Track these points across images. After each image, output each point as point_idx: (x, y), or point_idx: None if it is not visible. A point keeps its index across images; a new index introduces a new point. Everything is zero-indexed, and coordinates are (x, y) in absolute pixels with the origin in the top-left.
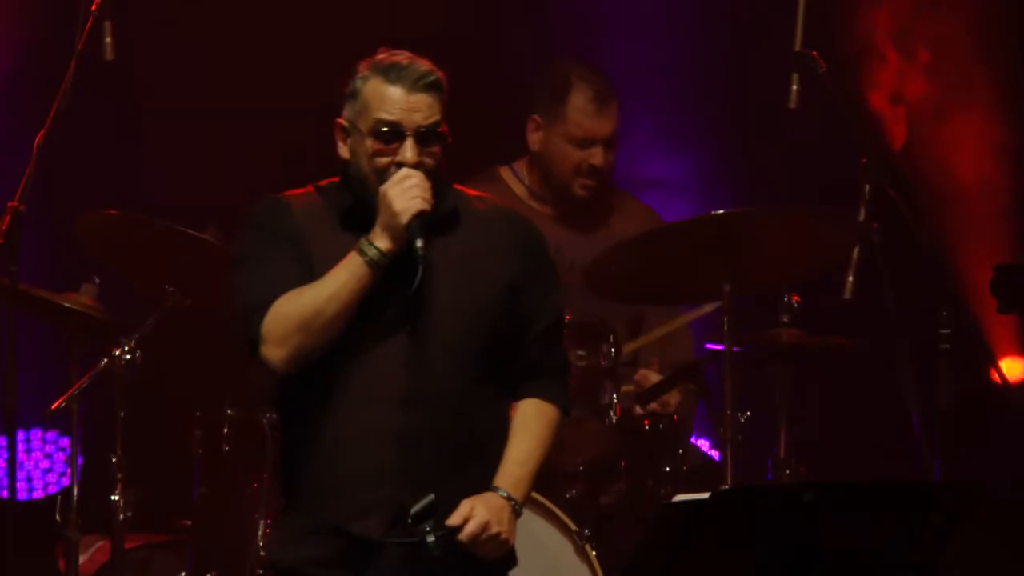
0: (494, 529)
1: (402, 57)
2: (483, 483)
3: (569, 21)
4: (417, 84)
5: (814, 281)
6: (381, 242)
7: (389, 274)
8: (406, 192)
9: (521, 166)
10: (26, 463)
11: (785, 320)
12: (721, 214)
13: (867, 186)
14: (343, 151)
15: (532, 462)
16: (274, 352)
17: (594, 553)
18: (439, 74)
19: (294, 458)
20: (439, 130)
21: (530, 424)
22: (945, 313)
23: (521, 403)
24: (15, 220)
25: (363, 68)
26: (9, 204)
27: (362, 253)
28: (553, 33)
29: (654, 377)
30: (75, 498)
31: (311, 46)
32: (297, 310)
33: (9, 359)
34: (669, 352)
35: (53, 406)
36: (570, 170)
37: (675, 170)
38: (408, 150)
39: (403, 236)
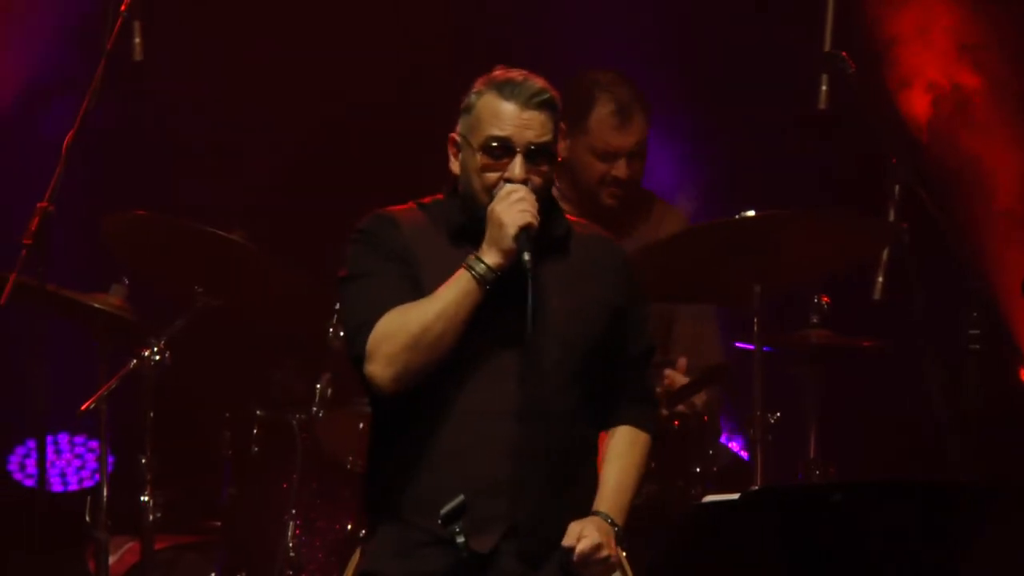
0: (604, 552)
1: (517, 74)
2: (577, 500)
3: (587, 22)
4: (531, 101)
5: (843, 282)
6: (489, 258)
7: (499, 289)
8: (513, 206)
9: None
10: (57, 463)
11: (815, 321)
12: (750, 216)
13: (896, 186)
14: (454, 165)
15: (630, 491)
16: (381, 371)
17: (624, 554)
18: (553, 93)
19: (399, 470)
20: (550, 149)
21: (628, 452)
22: (974, 314)
23: (617, 430)
24: (44, 221)
25: (479, 84)
26: (38, 205)
27: (470, 269)
28: (569, 34)
29: (680, 378)
30: (104, 499)
31: (342, 48)
32: (404, 328)
33: (38, 360)
34: (697, 353)
35: (83, 407)
36: (595, 181)
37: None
38: (517, 166)
39: (511, 251)
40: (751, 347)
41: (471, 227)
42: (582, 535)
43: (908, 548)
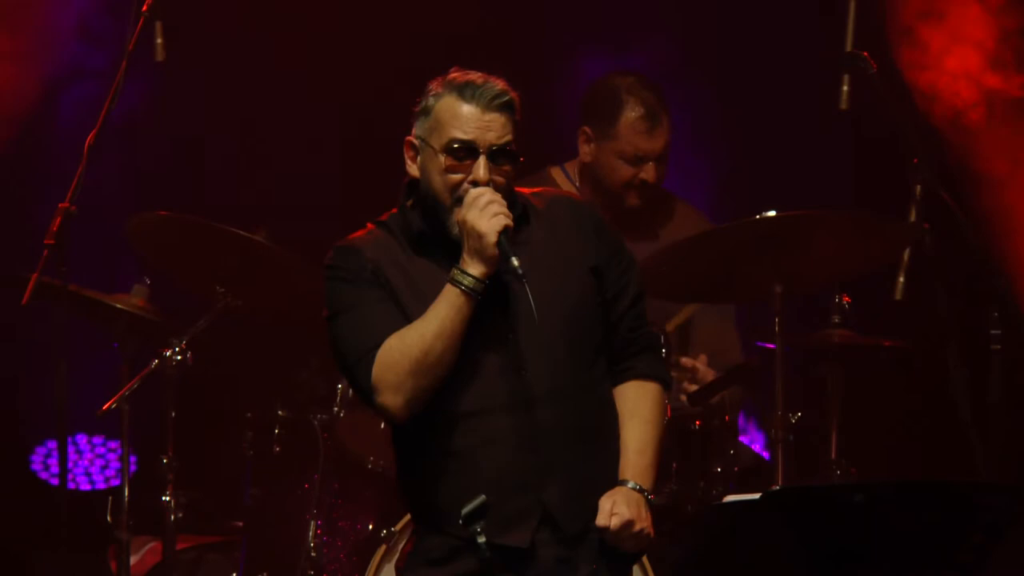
0: (637, 526)
1: (476, 76)
2: (606, 465)
3: (603, 21)
4: (492, 104)
5: (864, 282)
6: (473, 268)
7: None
8: (485, 211)
9: (572, 167)
10: (81, 462)
11: (836, 321)
12: (771, 217)
13: (918, 187)
14: (412, 168)
15: (651, 448)
16: (391, 400)
17: (644, 555)
18: (513, 95)
19: (428, 482)
20: (511, 149)
21: (639, 408)
22: (995, 313)
23: (623, 387)
24: (66, 221)
25: (436, 86)
26: (60, 205)
27: (457, 284)
28: (587, 32)
29: (706, 370)
30: (126, 499)
31: (367, 47)
32: (406, 354)
33: (60, 361)
34: (717, 353)
35: (104, 407)
36: (621, 184)
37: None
38: (481, 168)
39: (494, 257)
40: (772, 347)
41: (432, 233)
42: (613, 511)
43: (931, 549)
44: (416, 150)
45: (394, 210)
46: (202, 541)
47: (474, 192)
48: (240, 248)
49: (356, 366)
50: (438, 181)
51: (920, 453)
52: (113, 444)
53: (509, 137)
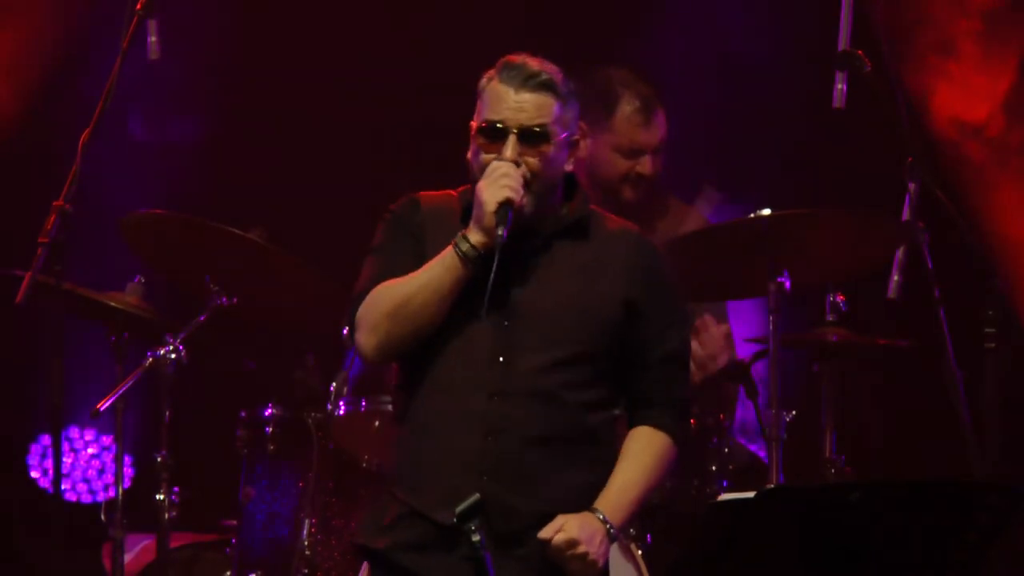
0: (581, 548)
1: (518, 57)
2: (566, 482)
3: (602, 21)
4: (526, 83)
5: (860, 280)
6: (473, 236)
7: (490, 267)
8: (495, 183)
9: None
10: (76, 464)
11: (831, 319)
12: (766, 215)
13: (913, 185)
14: (469, 152)
15: (635, 490)
16: (364, 339)
17: (640, 552)
18: (552, 74)
19: (398, 446)
20: (546, 130)
21: (638, 451)
22: (991, 312)
23: (636, 430)
24: (61, 219)
25: (490, 71)
26: (54, 204)
27: (456, 247)
28: (584, 33)
29: (715, 327)
30: (120, 497)
31: (364, 45)
32: (388, 298)
33: (55, 359)
34: (712, 352)
35: (99, 406)
36: (618, 178)
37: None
38: (508, 148)
39: (491, 227)
40: (768, 345)
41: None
42: (561, 528)
43: (926, 549)
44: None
45: None
46: (196, 539)
47: (494, 164)
48: (235, 247)
49: (354, 301)
50: (474, 162)
51: (916, 452)
52: (107, 441)
53: (544, 119)
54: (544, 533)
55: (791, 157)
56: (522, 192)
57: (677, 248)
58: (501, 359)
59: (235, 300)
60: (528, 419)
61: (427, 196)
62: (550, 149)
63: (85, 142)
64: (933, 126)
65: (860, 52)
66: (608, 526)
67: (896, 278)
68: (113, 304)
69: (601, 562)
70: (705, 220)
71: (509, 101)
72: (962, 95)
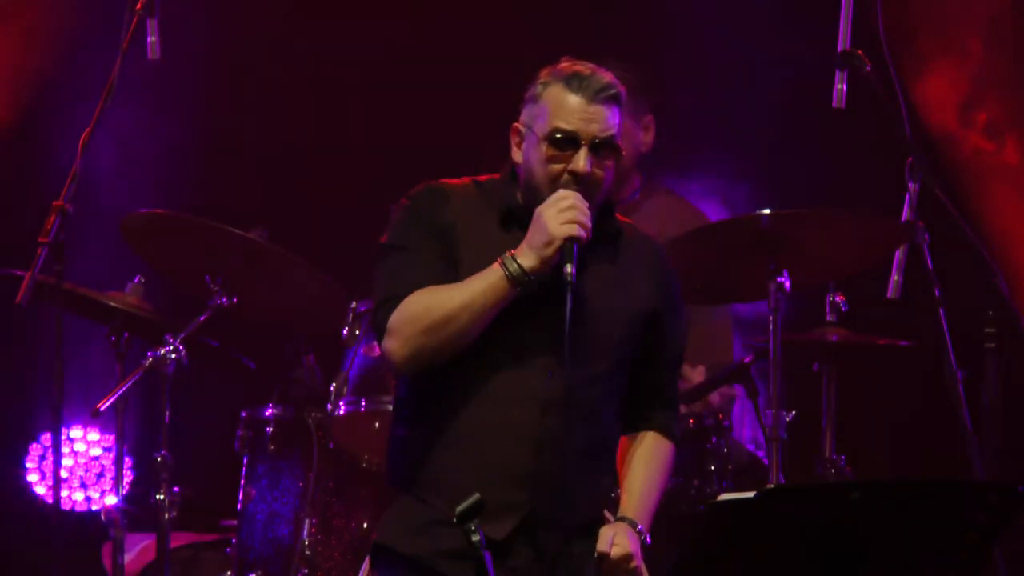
0: (635, 563)
1: (584, 67)
2: (597, 489)
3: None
4: (598, 96)
5: (860, 280)
6: (525, 260)
7: (543, 283)
8: (561, 215)
9: None
10: (77, 464)
11: (831, 319)
12: (765, 214)
13: (913, 185)
14: (516, 154)
15: (655, 495)
16: (396, 349)
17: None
18: (620, 88)
19: (423, 450)
20: (614, 143)
21: (654, 458)
22: (991, 312)
23: (644, 435)
24: (61, 219)
25: (545, 74)
26: (55, 203)
27: (505, 267)
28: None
29: (695, 375)
30: (120, 497)
31: (366, 45)
32: (429, 313)
33: (56, 359)
34: (711, 352)
35: (99, 406)
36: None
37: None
38: (581, 159)
39: (550, 260)
40: (767, 345)
41: (523, 213)
42: (615, 542)
43: (927, 548)
44: (521, 136)
45: (495, 175)
46: (196, 539)
47: (562, 192)
48: (236, 246)
49: (382, 304)
50: (539, 170)
51: (916, 451)
52: (107, 442)
53: (612, 131)
54: (602, 547)
55: (791, 157)
56: (588, 228)
57: (676, 248)
58: (550, 374)
59: (235, 300)
60: (574, 433)
61: (452, 186)
62: (615, 161)
63: (85, 142)
64: (933, 126)
65: (860, 52)
66: (643, 536)
67: (896, 278)
68: (113, 304)
69: (644, 573)
70: (706, 218)
71: (581, 112)
72: (962, 95)
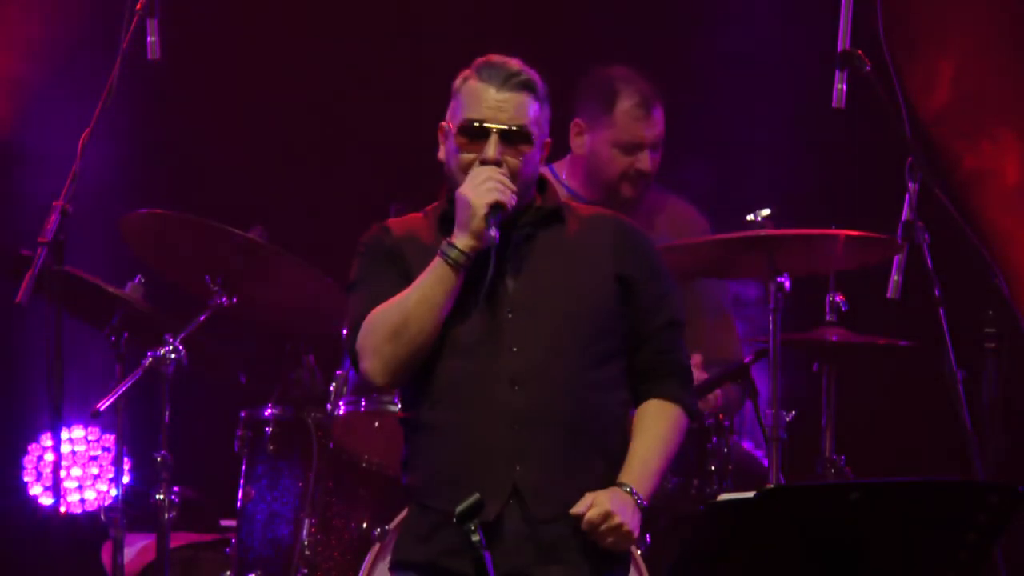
0: (616, 519)
1: (497, 58)
2: (590, 464)
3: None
4: (507, 83)
5: (860, 280)
6: (461, 241)
7: (487, 261)
8: (480, 186)
9: (561, 167)
10: (76, 464)
11: (831, 319)
12: (767, 215)
13: (913, 185)
14: (440, 152)
15: (656, 459)
16: (370, 365)
17: (639, 552)
18: (530, 75)
19: (413, 456)
20: (526, 130)
21: (651, 423)
22: (991, 312)
23: (644, 405)
24: (61, 219)
25: (466, 71)
26: (54, 203)
27: (444, 255)
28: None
29: (697, 373)
30: (120, 497)
31: (356, 46)
32: (386, 320)
33: (55, 358)
34: (715, 350)
35: (99, 405)
36: (617, 174)
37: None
38: (491, 147)
39: (480, 230)
40: (767, 345)
41: (453, 212)
42: (593, 503)
43: (927, 548)
44: (445, 134)
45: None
46: (196, 539)
47: (477, 168)
48: (235, 246)
49: (351, 334)
50: (453, 161)
51: (916, 451)
52: (107, 442)
53: (523, 120)
54: (577, 508)
55: (791, 157)
56: (510, 194)
57: (675, 253)
58: (515, 349)
59: (235, 300)
60: (546, 406)
61: (396, 221)
62: (530, 149)
63: (85, 142)
64: (933, 126)
65: (860, 52)
66: (637, 497)
67: (896, 278)
68: (112, 291)
69: (636, 532)
70: (704, 220)
71: (489, 100)
72: (961, 95)
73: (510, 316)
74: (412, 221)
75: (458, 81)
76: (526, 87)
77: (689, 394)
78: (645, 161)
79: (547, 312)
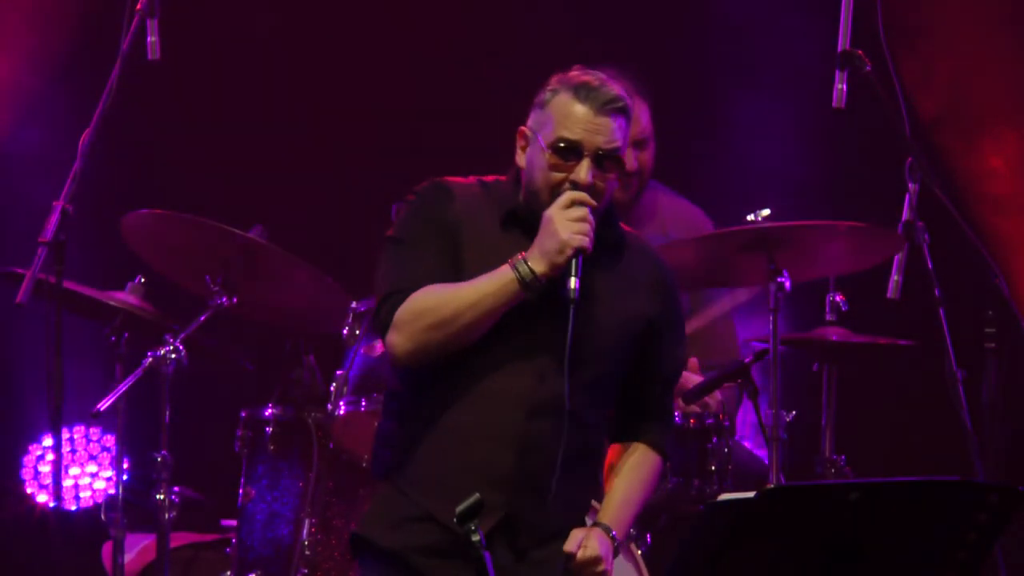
0: (601, 567)
1: (594, 78)
2: (579, 498)
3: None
4: (605, 107)
5: (860, 280)
6: (537, 265)
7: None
8: (572, 225)
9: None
10: (72, 467)
11: (831, 319)
12: (764, 219)
13: (913, 185)
14: (520, 158)
15: (635, 506)
16: (400, 343)
17: (640, 552)
18: (628, 101)
19: (409, 444)
20: (618, 156)
21: (639, 469)
22: (990, 312)
23: (633, 445)
24: (61, 220)
25: (554, 81)
26: (54, 203)
27: (516, 269)
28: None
29: (693, 377)
30: (120, 497)
31: (356, 47)
32: (436, 310)
33: (55, 358)
34: (713, 352)
35: (99, 406)
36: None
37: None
38: (583, 170)
39: (560, 266)
40: (767, 345)
41: (525, 215)
42: (585, 544)
43: (927, 548)
44: (527, 140)
45: (502, 177)
46: (196, 539)
47: (571, 194)
48: (236, 246)
49: (387, 298)
50: (540, 176)
51: (916, 451)
52: (107, 442)
53: (618, 144)
54: (569, 547)
55: (791, 157)
56: (591, 238)
57: (674, 251)
58: (543, 380)
59: (235, 300)
60: (558, 439)
61: (457, 185)
62: (619, 174)
63: (85, 142)
64: (933, 126)
65: (860, 52)
66: (615, 541)
67: (896, 278)
68: (113, 304)
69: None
70: (706, 218)
71: (586, 123)
72: (961, 95)
73: (551, 346)
74: (471, 192)
75: (547, 93)
76: (623, 112)
77: (670, 442)
78: (629, 159)
79: (586, 353)
